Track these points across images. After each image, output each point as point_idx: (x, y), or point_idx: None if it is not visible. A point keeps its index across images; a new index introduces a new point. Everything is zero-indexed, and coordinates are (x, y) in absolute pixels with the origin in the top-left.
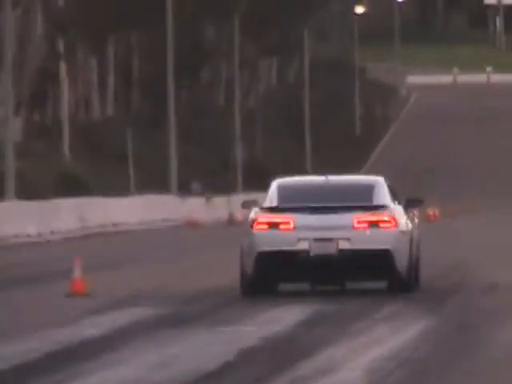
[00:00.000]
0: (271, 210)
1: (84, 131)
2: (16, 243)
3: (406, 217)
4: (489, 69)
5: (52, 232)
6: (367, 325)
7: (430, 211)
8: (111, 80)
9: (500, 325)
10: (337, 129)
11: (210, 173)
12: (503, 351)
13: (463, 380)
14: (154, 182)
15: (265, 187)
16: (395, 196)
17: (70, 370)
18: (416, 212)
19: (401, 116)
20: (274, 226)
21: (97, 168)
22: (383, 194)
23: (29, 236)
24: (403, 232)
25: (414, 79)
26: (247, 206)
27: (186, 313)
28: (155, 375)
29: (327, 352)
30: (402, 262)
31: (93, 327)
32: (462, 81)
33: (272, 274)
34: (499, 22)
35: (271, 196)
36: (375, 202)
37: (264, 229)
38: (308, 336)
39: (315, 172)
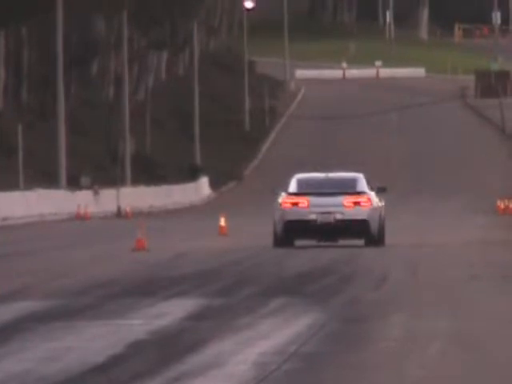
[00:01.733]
0: (292, 194)
1: None
2: None
3: (377, 199)
4: (378, 63)
5: None
6: (254, 319)
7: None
8: (1, 73)
9: (388, 319)
10: (226, 123)
11: (99, 166)
12: (390, 345)
13: (349, 374)
14: (43, 175)
15: (153, 180)
16: (370, 185)
17: None
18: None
19: (289, 110)
20: (295, 204)
21: None
22: (362, 185)
23: None
24: (375, 208)
25: (303, 73)
26: (276, 191)
27: (74, 306)
28: (42, 368)
29: (214, 346)
30: (374, 227)
31: None
32: (351, 75)
33: (293, 234)
34: (389, 15)
35: (292, 185)
36: (358, 190)
37: (289, 206)
38: (195, 330)
39: (205, 165)
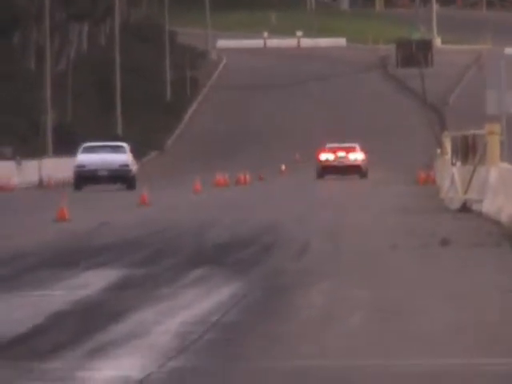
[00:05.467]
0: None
1: None
2: None
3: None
4: (299, 33)
5: None
6: (176, 289)
7: (241, 176)
8: None
9: (309, 288)
10: (148, 93)
11: (21, 137)
12: (312, 315)
13: (271, 344)
14: None
15: (75, 151)
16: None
17: None
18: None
19: (211, 81)
20: (326, 157)
21: None
22: (357, 149)
23: None
24: (364, 160)
25: (224, 44)
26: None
27: None
28: None
29: (136, 316)
30: (364, 168)
31: None
32: (272, 45)
33: (324, 172)
34: None
35: (321, 151)
36: (355, 149)
37: (323, 159)
38: (117, 300)
39: (126, 136)
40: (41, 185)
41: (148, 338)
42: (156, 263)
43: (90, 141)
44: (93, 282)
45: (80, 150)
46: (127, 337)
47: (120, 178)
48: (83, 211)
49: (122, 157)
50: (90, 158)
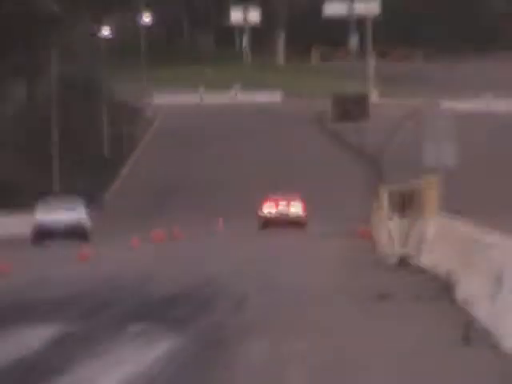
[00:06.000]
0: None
1: None
2: None
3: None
4: (236, 87)
5: None
6: (114, 344)
7: (157, 232)
8: None
9: (249, 341)
10: (86, 149)
11: None
12: (250, 369)
13: None
14: None
15: (12, 207)
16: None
17: None
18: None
19: (146, 137)
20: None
21: None
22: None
23: None
24: (304, 212)
25: (160, 100)
26: None
27: None
28: None
29: (74, 374)
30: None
31: None
32: (208, 100)
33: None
34: (245, 40)
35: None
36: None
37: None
38: (56, 356)
39: (64, 190)
40: None
41: None
42: (94, 318)
43: (28, 197)
44: (29, 339)
45: (37, 207)
46: None
47: (76, 233)
48: (23, 266)
49: (75, 215)
50: (48, 216)
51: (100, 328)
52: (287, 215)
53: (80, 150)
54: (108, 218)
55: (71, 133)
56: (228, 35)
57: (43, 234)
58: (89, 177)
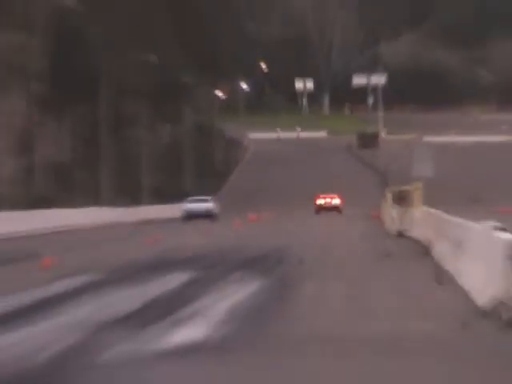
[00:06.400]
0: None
1: None
2: None
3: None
4: (298, 128)
5: None
6: (225, 284)
7: (252, 216)
8: None
9: (305, 283)
10: (207, 166)
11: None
12: (305, 299)
13: (284, 313)
14: None
15: (164, 202)
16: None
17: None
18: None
19: (244, 158)
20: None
21: None
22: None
23: None
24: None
25: (253, 135)
26: None
27: None
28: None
29: (201, 300)
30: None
31: None
32: (282, 136)
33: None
34: (304, 100)
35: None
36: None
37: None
38: (189, 292)
39: (193, 193)
40: (150, 222)
41: (209, 313)
42: (211, 268)
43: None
44: (172, 281)
45: (185, 201)
46: (195, 314)
47: (208, 216)
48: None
49: (207, 204)
50: (193, 205)
51: (215, 275)
52: (331, 204)
53: (204, 167)
54: (222, 207)
55: (199, 158)
56: (294, 96)
57: (190, 216)
58: (210, 183)
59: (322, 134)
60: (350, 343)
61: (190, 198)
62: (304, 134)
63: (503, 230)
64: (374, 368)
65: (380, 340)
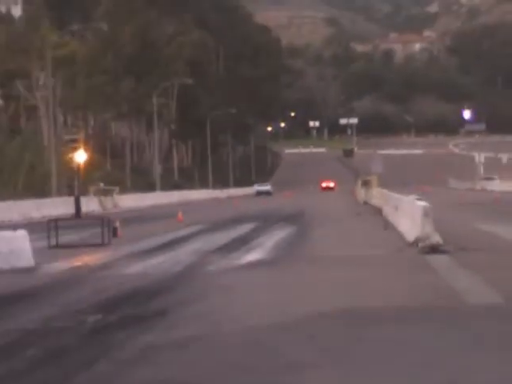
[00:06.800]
0: (322, 182)
1: None
2: None
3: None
4: (311, 147)
5: None
6: (272, 229)
7: (286, 193)
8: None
9: (315, 229)
10: (263, 167)
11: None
12: (316, 237)
13: (306, 244)
14: None
15: (241, 186)
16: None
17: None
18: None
19: (282, 163)
20: (322, 185)
21: None
22: (332, 181)
23: None
24: (335, 185)
25: (286, 151)
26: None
27: None
28: None
29: (259, 239)
30: (335, 188)
31: None
32: (303, 151)
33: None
34: (314, 132)
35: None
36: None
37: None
38: (253, 235)
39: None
40: (234, 197)
41: (265, 245)
42: (265, 221)
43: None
44: (241, 229)
45: (255, 185)
46: (257, 245)
47: (268, 193)
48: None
49: (268, 187)
50: (260, 187)
51: (268, 224)
52: (328, 186)
53: (262, 168)
54: (274, 189)
55: (258, 163)
56: (308, 129)
57: (259, 193)
58: (265, 176)
59: (323, 150)
60: (337, 259)
61: (257, 184)
62: (314, 150)
63: (420, 199)
64: (348, 273)
65: (352, 258)
